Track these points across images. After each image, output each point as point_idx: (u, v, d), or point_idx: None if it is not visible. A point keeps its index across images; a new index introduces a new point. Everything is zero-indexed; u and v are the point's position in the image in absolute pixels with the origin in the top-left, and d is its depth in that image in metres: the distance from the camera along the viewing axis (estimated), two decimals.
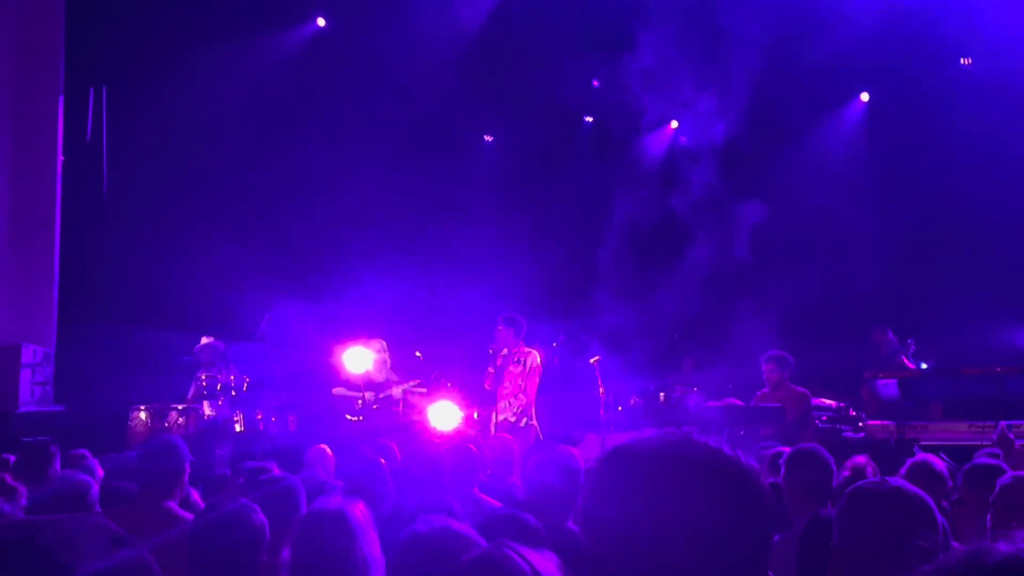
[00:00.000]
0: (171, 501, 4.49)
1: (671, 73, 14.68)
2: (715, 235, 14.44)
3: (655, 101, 15.50)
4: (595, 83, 16.22)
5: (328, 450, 7.08)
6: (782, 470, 4.52)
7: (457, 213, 15.77)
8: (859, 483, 2.41)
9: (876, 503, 2.27)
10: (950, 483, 4.97)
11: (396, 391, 9.73)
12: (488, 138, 17.37)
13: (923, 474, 4.86)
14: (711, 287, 13.02)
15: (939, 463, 5.02)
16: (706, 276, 13.41)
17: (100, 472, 5.97)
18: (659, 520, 1.42)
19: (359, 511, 3.15)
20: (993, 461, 4.77)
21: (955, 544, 3.34)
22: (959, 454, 7.15)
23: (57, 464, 5.96)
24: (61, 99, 10.87)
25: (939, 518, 2.30)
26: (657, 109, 15.70)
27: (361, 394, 9.73)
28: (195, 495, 5.33)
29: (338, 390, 10.03)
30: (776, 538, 4.00)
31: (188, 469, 4.65)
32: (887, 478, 2.40)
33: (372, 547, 3.09)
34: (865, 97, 15.81)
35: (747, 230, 14.45)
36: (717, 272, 13.61)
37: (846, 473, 4.92)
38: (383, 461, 5.14)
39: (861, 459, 5.34)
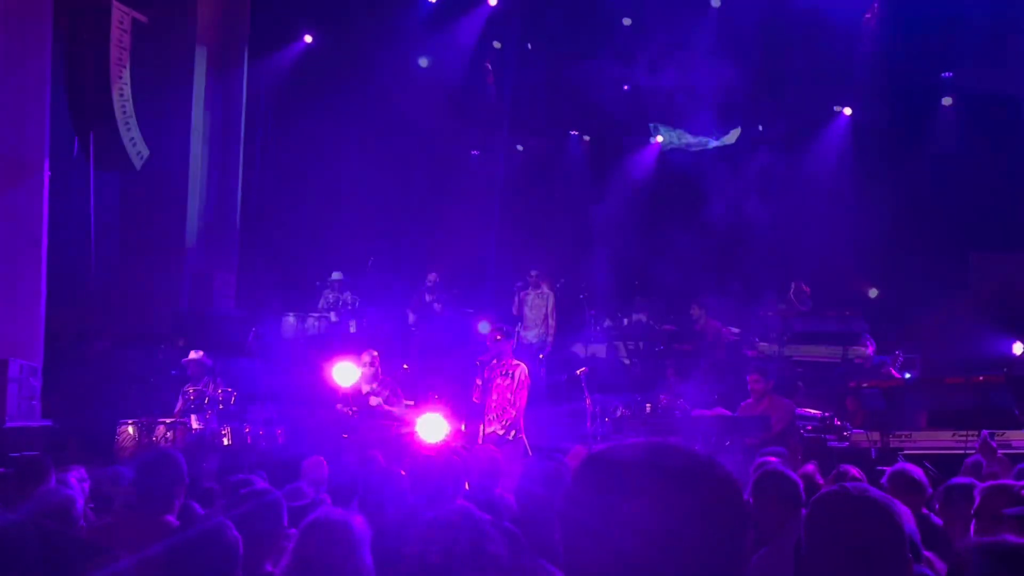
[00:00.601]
0: (170, 515, 4.46)
1: (661, 83, 14.85)
2: (706, 246, 14.57)
3: (642, 112, 15.64)
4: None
5: (324, 462, 7.07)
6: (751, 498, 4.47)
7: (446, 224, 15.90)
8: (824, 490, 2.43)
9: (838, 509, 2.30)
10: (930, 491, 5.02)
11: (373, 400, 9.78)
12: (475, 152, 17.46)
13: (903, 482, 4.90)
14: (698, 296, 13.11)
15: (918, 471, 5.06)
16: (695, 285, 13.52)
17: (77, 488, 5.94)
18: (634, 527, 1.42)
19: (358, 523, 3.17)
20: (967, 480, 4.83)
21: (927, 554, 3.39)
22: (944, 463, 7.21)
23: (52, 480, 5.92)
24: (48, 110, 10.86)
25: (905, 523, 2.33)
26: (641, 123, 15.85)
27: (349, 407, 9.75)
28: (196, 507, 5.31)
29: (341, 407, 10.07)
30: (762, 552, 4.02)
31: (188, 482, 4.63)
32: (847, 484, 2.43)
33: (367, 559, 3.11)
34: (848, 111, 15.94)
35: (736, 242, 14.58)
36: (706, 282, 13.72)
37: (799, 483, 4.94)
38: (402, 472, 5.15)
39: (810, 467, 5.40)
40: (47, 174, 10.66)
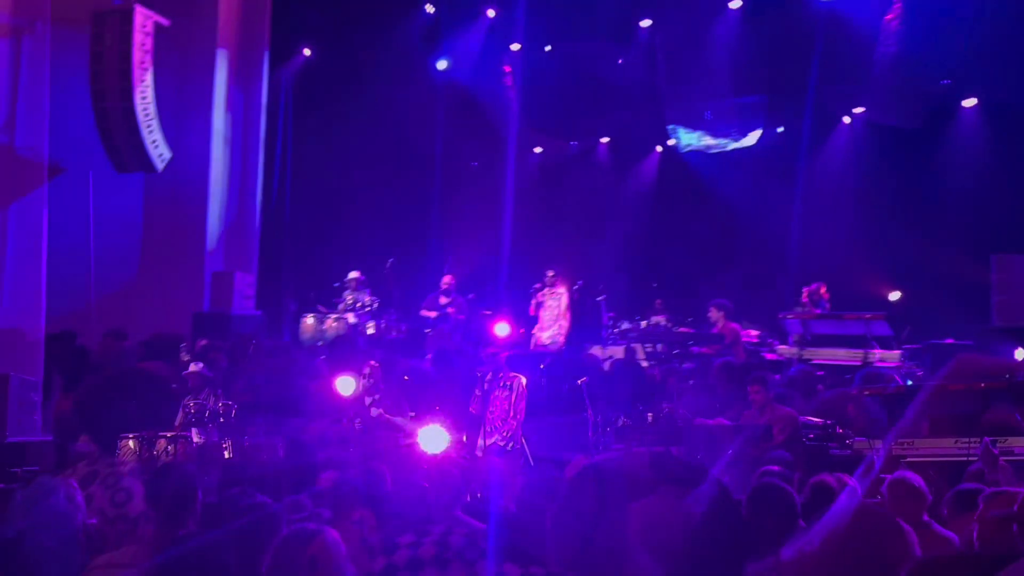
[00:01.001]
0: (183, 531, 4.42)
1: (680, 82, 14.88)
2: (724, 248, 14.61)
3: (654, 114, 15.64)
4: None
5: (337, 476, 7.02)
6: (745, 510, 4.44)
7: (462, 227, 16.01)
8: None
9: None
10: (930, 498, 5.00)
11: (374, 411, 9.80)
12: (474, 163, 17.53)
13: (902, 490, 4.89)
14: (716, 299, 13.15)
15: (917, 479, 5.05)
16: (713, 288, 13.58)
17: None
18: (624, 535, 1.43)
19: (331, 535, 3.16)
20: (974, 486, 4.83)
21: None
22: (946, 470, 7.19)
23: (60, 497, 5.87)
24: (47, 115, 10.87)
25: (909, 535, 2.32)
26: (660, 125, 15.82)
27: (352, 420, 9.74)
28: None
29: (347, 422, 10.07)
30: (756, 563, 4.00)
31: (200, 496, 4.58)
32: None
33: (344, 572, 3.10)
34: (847, 119, 15.96)
35: (755, 244, 14.59)
36: (724, 284, 13.77)
37: (808, 493, 4.91)
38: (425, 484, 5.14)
39: (829, 478, 5.38)
40: (46, 183, 10.68)
